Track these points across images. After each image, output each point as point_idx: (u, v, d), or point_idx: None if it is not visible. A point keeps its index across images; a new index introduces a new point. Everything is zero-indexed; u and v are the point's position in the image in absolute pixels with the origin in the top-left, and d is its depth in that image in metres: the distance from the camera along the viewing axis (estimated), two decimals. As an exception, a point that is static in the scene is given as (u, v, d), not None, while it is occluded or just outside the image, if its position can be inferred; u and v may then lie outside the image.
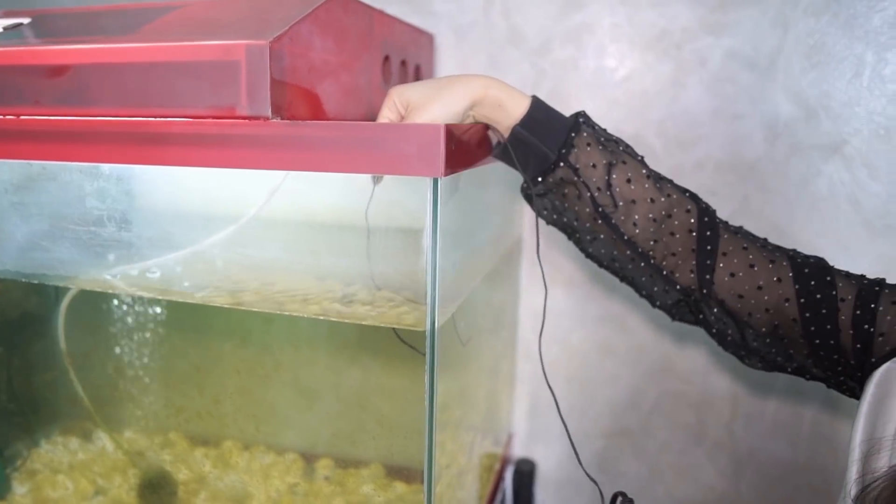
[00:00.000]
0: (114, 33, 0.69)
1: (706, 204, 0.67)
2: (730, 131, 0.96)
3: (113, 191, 0.72)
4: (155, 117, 0.63)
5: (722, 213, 0.98)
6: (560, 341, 1.08)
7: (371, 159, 0.55)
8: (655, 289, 0.68)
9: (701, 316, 0.66)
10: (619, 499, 0.41)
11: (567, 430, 0.59)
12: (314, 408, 0.95)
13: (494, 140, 0.71)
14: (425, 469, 0.65)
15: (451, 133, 0.56)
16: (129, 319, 0.92)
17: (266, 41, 0.59)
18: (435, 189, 0.55)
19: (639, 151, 0.99)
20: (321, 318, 0.71)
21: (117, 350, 0.92)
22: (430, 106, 0.62)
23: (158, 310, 0.91)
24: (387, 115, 0.64)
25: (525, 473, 1.06)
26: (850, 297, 0.59)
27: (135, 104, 0.65)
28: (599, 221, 0.65)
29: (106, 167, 0.72)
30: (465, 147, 0.61)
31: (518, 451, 1.12)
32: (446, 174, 0.54)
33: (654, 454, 1.08)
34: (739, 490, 1.06)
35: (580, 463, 0.53)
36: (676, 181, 0.98)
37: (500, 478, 1.05)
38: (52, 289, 0.88)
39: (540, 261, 0.73)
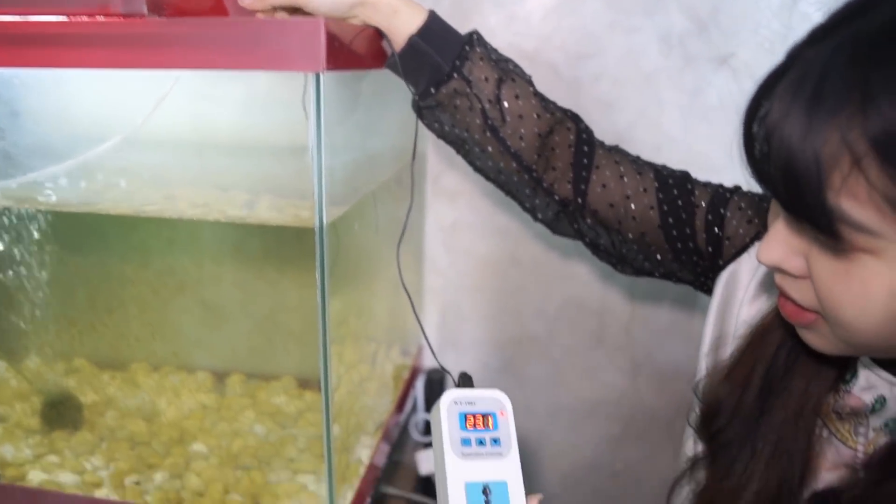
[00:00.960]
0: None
1: (586, 124, 0.70)
2: (626, 44, 0.98)
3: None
4: (24, 15, 0.59)
5: (619, 125, 1.02)
6: (467, 252, 1.11)
7: (251, 56, 0.54)
8: (537, 202, 0.71)
9: (576, 226, 0.70)
10: (461, 378, 0.48)
11: (424, 332, 0.61)
12: (224, 324, 0.95)
13: (389, 51, 0.70)
14: (321, 374, 0.66)
15: (333, 28, 0.55)
16: (17, 237, 0.88)
17: (138, -68, 0.56)
18: (318, 84, 0.55)
19: (539, 65, 1.01)
20: (222, 221, 0.70)
21: (9, 271, 0.89)
22: None
23: (48, 224, 0.87)
24: None
25: (435, 382, 1.10)
26: (703, 204, 0.63)
27: (1, 2, 0.61)
28: (488, 134, 0.67)
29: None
30: (353, 47, 0.61)
31: (429, 361, 1.16)
32: (329, 69, 0.54)
33: (558, 358, 1.14)
34: (637, 387, 1.13)
35: (434, 355, 0.57)
36: (575, 94, 1.01)
37: (409, 386, 1.08)
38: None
39: (412, 173, 0.73)
